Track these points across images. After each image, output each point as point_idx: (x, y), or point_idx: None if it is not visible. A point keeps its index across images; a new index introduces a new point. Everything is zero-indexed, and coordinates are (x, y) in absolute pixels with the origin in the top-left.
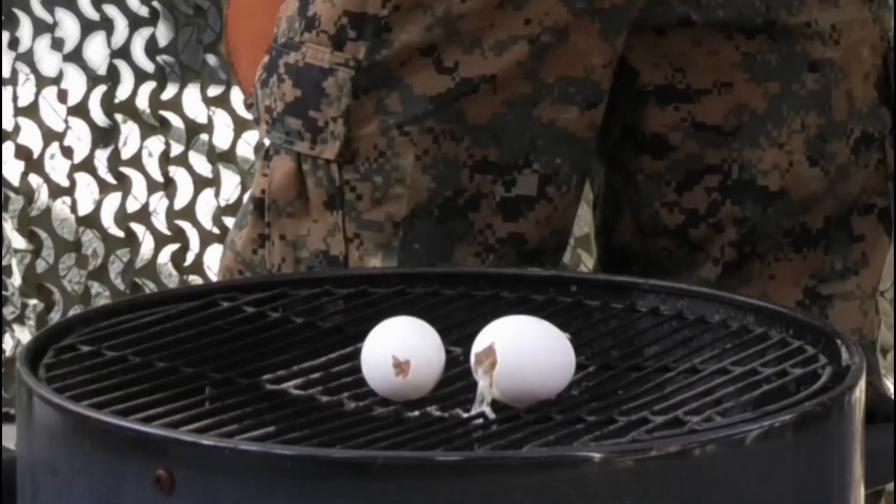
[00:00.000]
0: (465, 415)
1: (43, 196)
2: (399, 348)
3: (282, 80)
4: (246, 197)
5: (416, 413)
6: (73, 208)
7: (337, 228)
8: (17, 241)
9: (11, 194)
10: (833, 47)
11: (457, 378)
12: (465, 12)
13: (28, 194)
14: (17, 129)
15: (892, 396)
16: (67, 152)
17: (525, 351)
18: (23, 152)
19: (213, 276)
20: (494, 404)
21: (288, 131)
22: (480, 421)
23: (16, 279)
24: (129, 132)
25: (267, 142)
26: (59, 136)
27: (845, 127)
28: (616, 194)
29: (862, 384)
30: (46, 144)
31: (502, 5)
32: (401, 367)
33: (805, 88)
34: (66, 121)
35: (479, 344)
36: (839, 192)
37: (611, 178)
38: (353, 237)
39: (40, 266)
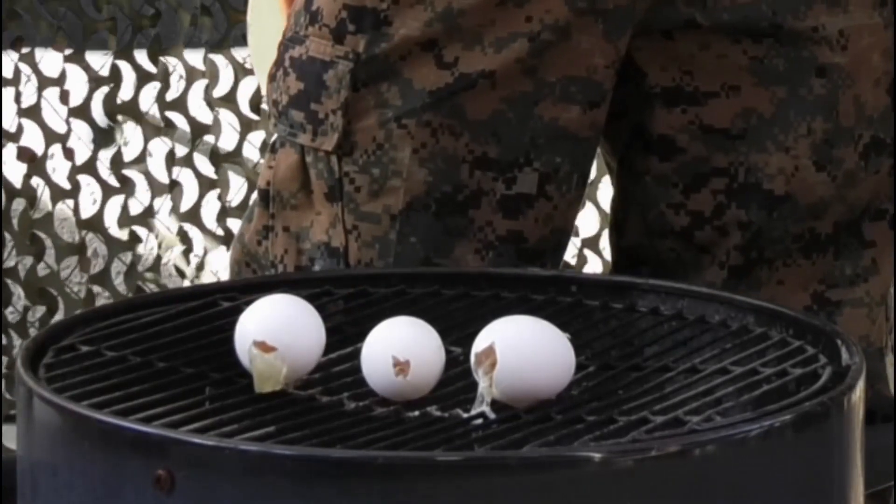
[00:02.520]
0: (465, 415)
1: (45, 198)
2: (399, 348)
3: (287, 74)
4: (252, 196)
5: (416, 413)
6: (76, 210)
7: (337, 220)
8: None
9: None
10: (840, 53)
11: (457, 378)
12: (465, 8)
13: (30, 196)
14: (19, 130)
15: (892, 396)
16: (69, 154)
17: (525, 351)
18: (25, 154)
19: (217, 278)
20: (494, 404)
21: (292, 124)
22: (480, 421)
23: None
24: (132, 134)
25: (274, 135)
26: (61, 138)
27: (853, 132)
28: (626, 195)
29: (862, 384)
30: (48, 146)
31: (503, 2)
32: (401, 367)
33: (812, 93)
34: (67, 122)
35: (479, 344)
36: (849, 197)
37: (621, 178)
38: (352, 229)
39: (42, 269)
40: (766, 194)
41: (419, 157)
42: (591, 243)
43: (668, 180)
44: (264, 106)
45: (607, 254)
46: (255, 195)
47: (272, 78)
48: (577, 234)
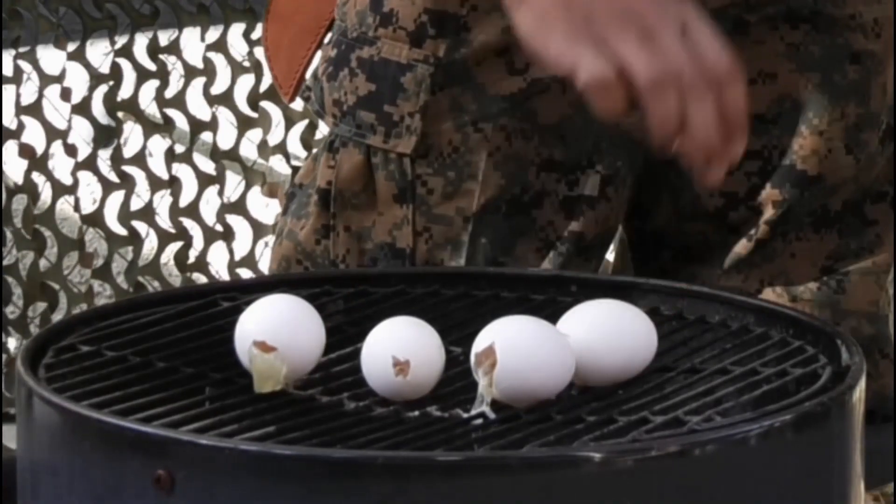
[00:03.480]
0: (465, 415)
1: (46, 194)
2: (399, 348)
3: (354, 74)
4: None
5: (416, 413)
6: (77, 207)
7: (406, 222)
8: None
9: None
10: (874, 40)
11: (457, 378)
12: None
13: (31, 193)
14: (20, 127)
15: (892, 396)
16: (70, 151)
17: (525, 351)
18: (26, 151)
19: (216, 274)
20: (494, 404)
21: (359, 124)
22: (480, 421)
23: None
24: (132, 131)
25: (321, 133)
26: (62, 135)
27: (879, 117)
28: (656, 179)
29: (862, 384)
30: (49, 143)
31: None
32: (401, 367)
33: (846, 79)
34: (68, 119)
35: (479, 344)
36: (861, 178)
37: (652, 162)
38: (423, 231)
39: (43, 265)
40: (800, 174)
41: (493, 161)
42: None
43: None
44: (262, 104)
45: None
46: (297, 189)
47: (331, 77)
48: None
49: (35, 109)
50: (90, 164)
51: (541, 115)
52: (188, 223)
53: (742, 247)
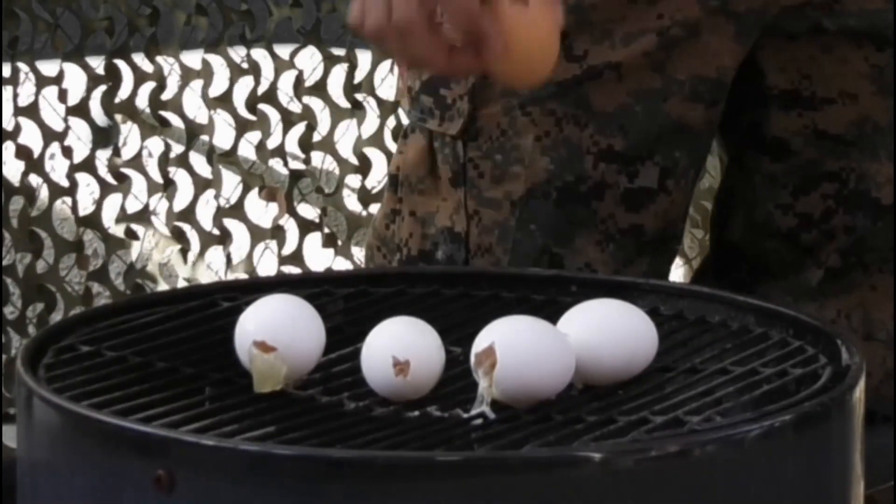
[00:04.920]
0: (465, 415)
1: (43, 196)
2: (399, 348)
3: None
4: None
5: (416, 413)
6: (74, 208)
7: (460, 205)
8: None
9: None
10: None
11: (457, 378)
12: (596, 3)
13: (29, 194)
14: (17, 129)
15: (893, 396)
16: (67, 152)
17: (525, 351)
18: (23, 152)
19: (214, 276)
20: (494, 404)
21: (422, 109)
22: (480, 421)
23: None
24: (129, 132)
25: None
26: (60, 136)
27: None
28: (734, 191)
29: (862, 384)
30: (46, 144)
31: (636, 0)
32: (401, 367)
33: None
34: (65, 120)
35: (479, 344)
36: None
37: (731, 174)
38: (474, 214)
39: (41, 266)
40: (873, 202)
41: (542, 145)
42: None
43: (778, 181)
44: (260, 106)
45: None
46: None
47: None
48: None
49: (32, 111)
50: (88, 165)
51: (595, 102)
52: (185, 226)
53: (813, 273)
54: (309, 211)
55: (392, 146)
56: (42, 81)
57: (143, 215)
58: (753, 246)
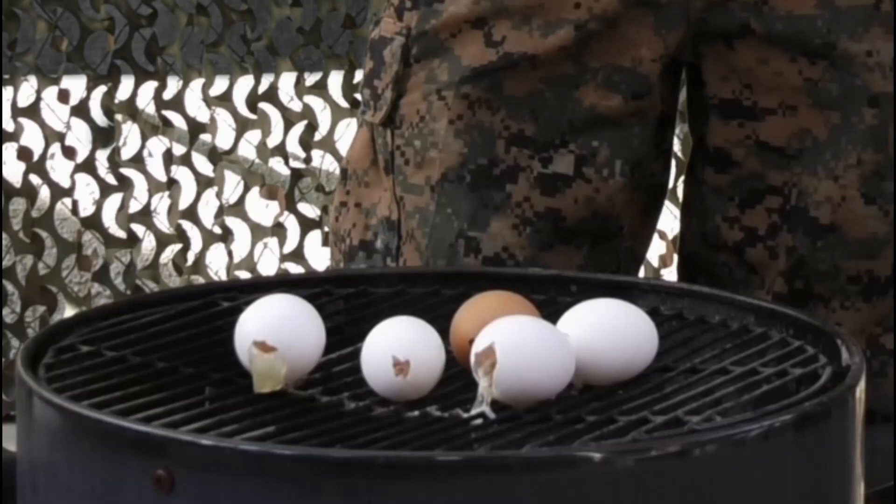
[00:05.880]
0: (465, 415)
1: (44, 197)
2: (399, 348)
3: (368, 56)
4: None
5: (416, 413)
6: (75, 209)
7: (392, 193)
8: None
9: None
10: (894, 83)
11: (457, 378)
12: None
13: (29, 195)
14: (18, 129)
15: (892, 396)
16: (69, 153)
17: (525, 351)
18: (24, 153)
19: (214, 276)
20: (494, 404)
21: (364, 102)
22: (480, 421)
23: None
24: (130, 132)
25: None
26: (60, 137)
27: None
28: (688, 203)
29: (862, 384)
30: (48, 145)
31: None
32: (401, 367)
33: (864, 122)
34: (66, 122)
35: (479, 344)
36: None
37: (686, 185)
38: (400, 200)
39: (42, 268)
40: (811, 221)
41: (455, 129)
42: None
43: (724, 193)
44: (261, 105)
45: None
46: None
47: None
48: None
49: (33, 111)
50: (89, 166)
51: (507, 87)
52: (187, 225)
53: (761, 297)
54: (309, 209)
55: None
56: (42, 82)
57: (145, 215)
58: (707, 258)
